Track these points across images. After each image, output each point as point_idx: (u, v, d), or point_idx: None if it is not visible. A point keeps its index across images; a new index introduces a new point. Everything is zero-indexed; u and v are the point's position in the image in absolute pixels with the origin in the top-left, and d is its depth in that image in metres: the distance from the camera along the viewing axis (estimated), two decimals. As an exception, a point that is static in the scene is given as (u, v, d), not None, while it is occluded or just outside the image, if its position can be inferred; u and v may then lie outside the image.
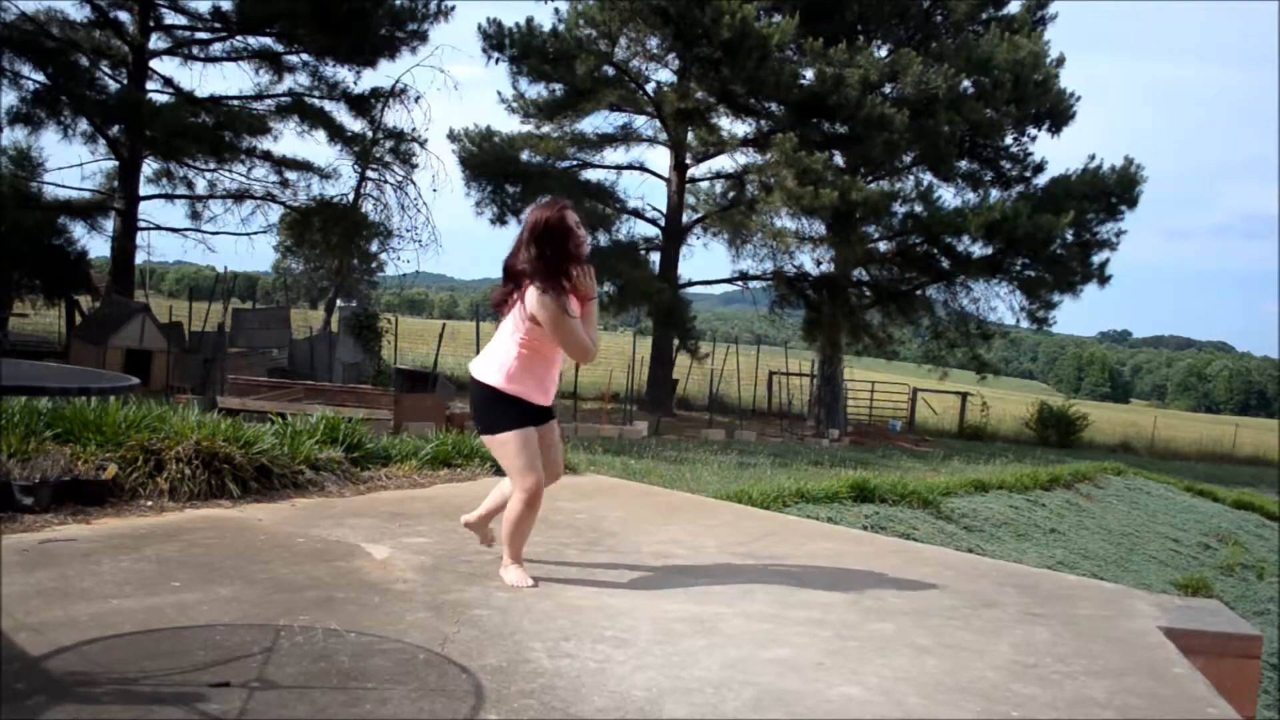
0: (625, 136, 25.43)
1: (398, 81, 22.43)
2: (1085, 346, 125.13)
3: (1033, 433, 28.08)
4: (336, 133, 21.54)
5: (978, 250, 23.30)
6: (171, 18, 20.62)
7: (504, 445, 3.44)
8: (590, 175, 25.72)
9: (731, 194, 25.51)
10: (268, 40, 21.12)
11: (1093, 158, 23.63)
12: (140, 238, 21.28)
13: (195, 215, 22.47)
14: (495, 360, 3.45)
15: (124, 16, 20.12)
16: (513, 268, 3.41)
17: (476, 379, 3.47)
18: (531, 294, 3.32)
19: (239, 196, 21.94)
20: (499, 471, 5.89)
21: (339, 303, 23.82)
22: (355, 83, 21.87)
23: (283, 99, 21.46)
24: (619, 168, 26.17)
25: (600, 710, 2.41)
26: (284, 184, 21.98)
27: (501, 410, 3.44)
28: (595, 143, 25.36)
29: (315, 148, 75.03)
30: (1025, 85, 22.05)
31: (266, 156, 21.33)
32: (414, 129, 23.35)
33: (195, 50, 21.10)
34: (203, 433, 4.62)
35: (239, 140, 20.63)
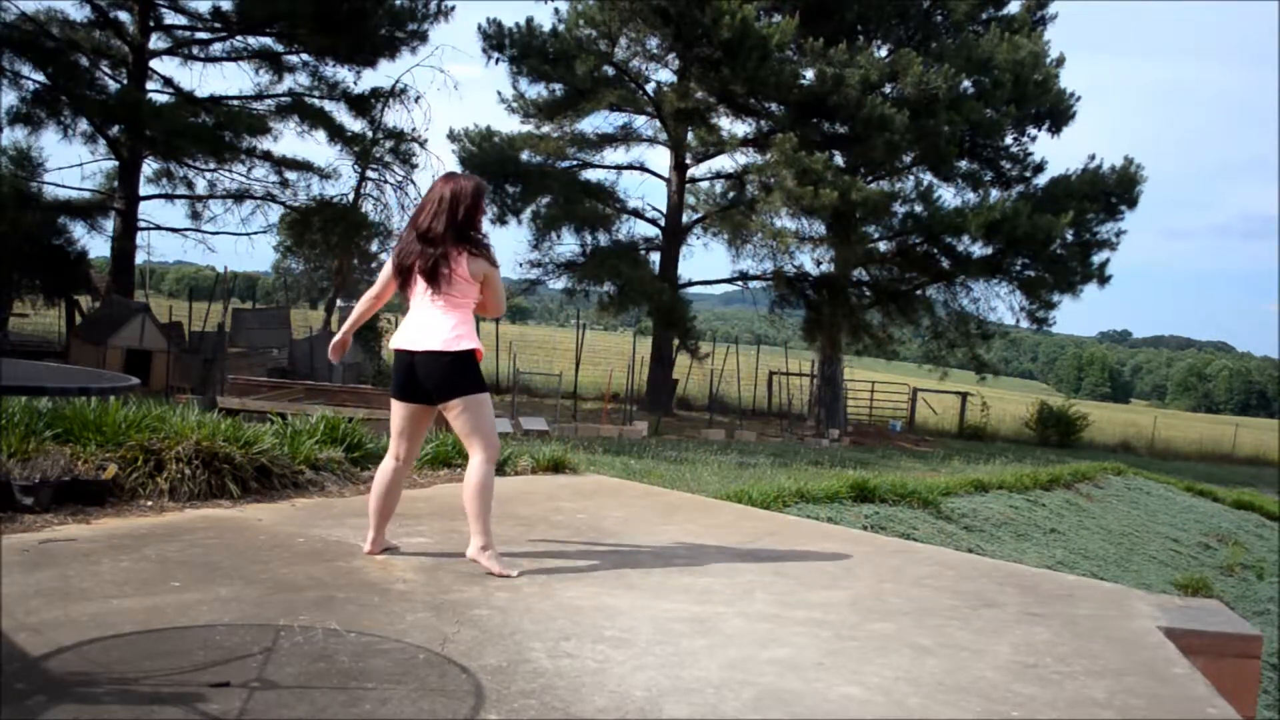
0: (625, 136, 25.42)
1: (398, 81, 22.42)
2: (1085, 346, 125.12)
3: (1033, 433, 28.08)
4: (336, 133, 21.53)
5: (978, 250, 23.29)
6: (171, 18, 20.60)
7: (483, 404, 3.59)
8: (590, 175, 25.73)
9: (731, 194, 25.50)
10: (268, 40, 21.10)
11: (1093, 158, 23.64)
12: (140, 238, 21.27)
13: (195, 215, 22.47)
14: (453, 327, 3.53)
15: (124, 16, 20.10)
16: (436, 233, 3.52)
17: (449, 350, 3.51)
18: (472, 259, 3.54)
19: (239, 196, 21.93)
20: (500, 471, 5.90)
21: (339, 303, 23.82)
22: (355, 83, 21.86)
23: (283, 99, 21.45)
24: (619, 168, 26.18)
25: (600, 710, 2.41)
26: (284, 184, 21.96)
27: (477, 371, 3.60)
28: (595, 143, 25.35)
29: (315, 148, 75.23)
30: (1025, 85, 22.04)
31: (266, 156, 21.31)
32: (414, 129, 23.31)
33: (195, 50, 21.08)
34: (203, 433, 4.62)
35: (239, 140, 20.61)
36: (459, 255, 3.53)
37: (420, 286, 3.57)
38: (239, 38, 21.08)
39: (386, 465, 3.73)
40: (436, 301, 3.55)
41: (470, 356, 3.56)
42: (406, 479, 3.89)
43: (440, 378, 3.54)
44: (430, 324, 3.55)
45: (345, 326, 3.90)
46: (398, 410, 3.68)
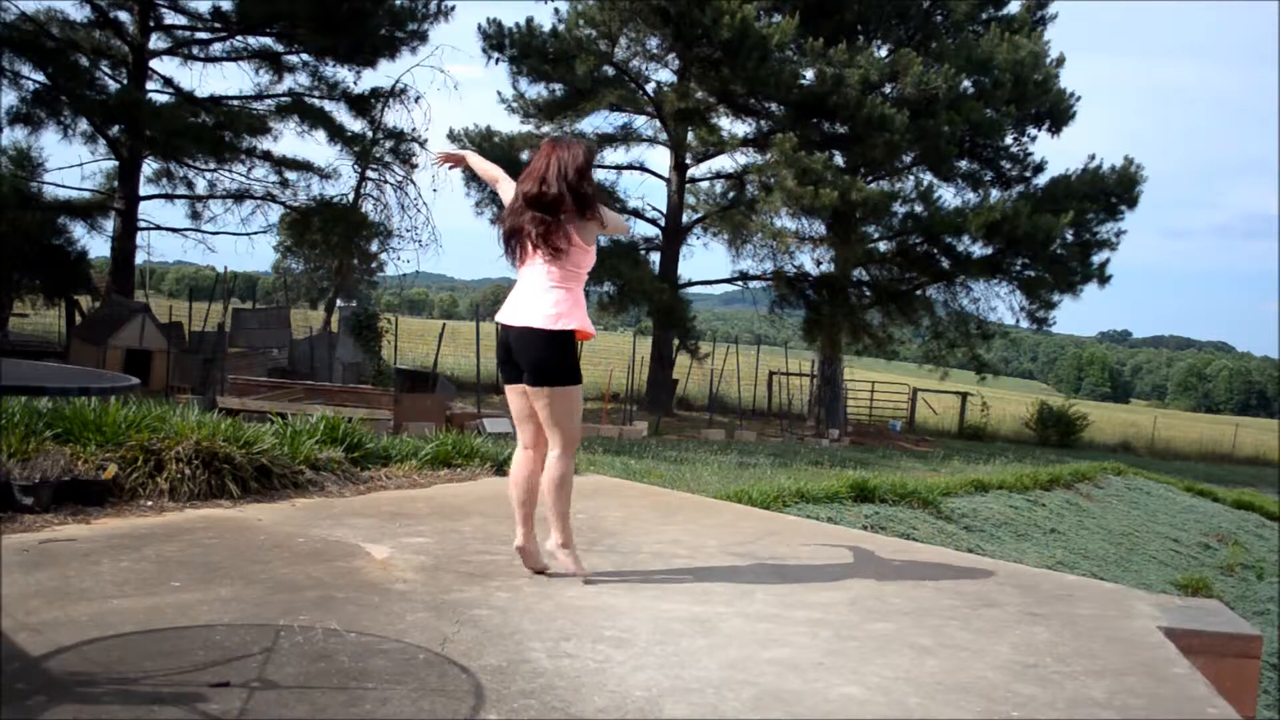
0: (625, 136, 25.44)
1: (398, 81, 22.47)
2: (1085, 346, 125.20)
3: (1033, 433, 28.10)
4: (336, 133, 21.55)
5: (978, 250, 23.32)
6: (171, 18, 20.63)
7: (571, 396, 3.41)
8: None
9: (731, 194, 25.51)
10: (268, 40, 21.14)
11: (1093, 158, 23.69)
12: (140, 238, 21.32)
13: (195, 215, 22.51)
14: (557, 302, 3.35)
15: (124, 16, 20.14)
16: (548, 198, 3.35)
17: (548, 329, 3.33)
18: (585, 224, 3.38)
19: (239, 196, 21.96)
20: (500, 471, 5.90)
21: (339, 303, 23.83)
22: (355, 83, 21.92)
23: (283, 99, 21.47)
24: (619, 168, 26.21)
25: (600, 710, 2.41)
26: (284, 184, 21.99)
27: (575, 358, 3.41)
28: (595, 143, 25.36)
29: (315, 148, 75.26)
30: (1025, 85, 22.06)
31: (266, 156, 21.34)
32: (414, 129, 23.38)
33: (195, 50, 21.12)
34: (203, 433, 4.62)
35: (239, 140, 20.64)
36: (572, 221, 3.37)
37: (531, 256, 3.40)
38: (239, 38, 21.12)
39: (517, 456, 3.59)
40: (550, 271, 3.38)
41: (569, 339, 3.37)
42: (542, 464, 3.58)
43: (535, 358, 3.37)
44: (535, 297, 3.38)
45: (471, 156, 3.85)
46: (511, 396, 3.53)
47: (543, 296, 3.37)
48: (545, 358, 3.37)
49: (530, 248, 3.40)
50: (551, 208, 3.35)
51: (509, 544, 3.89)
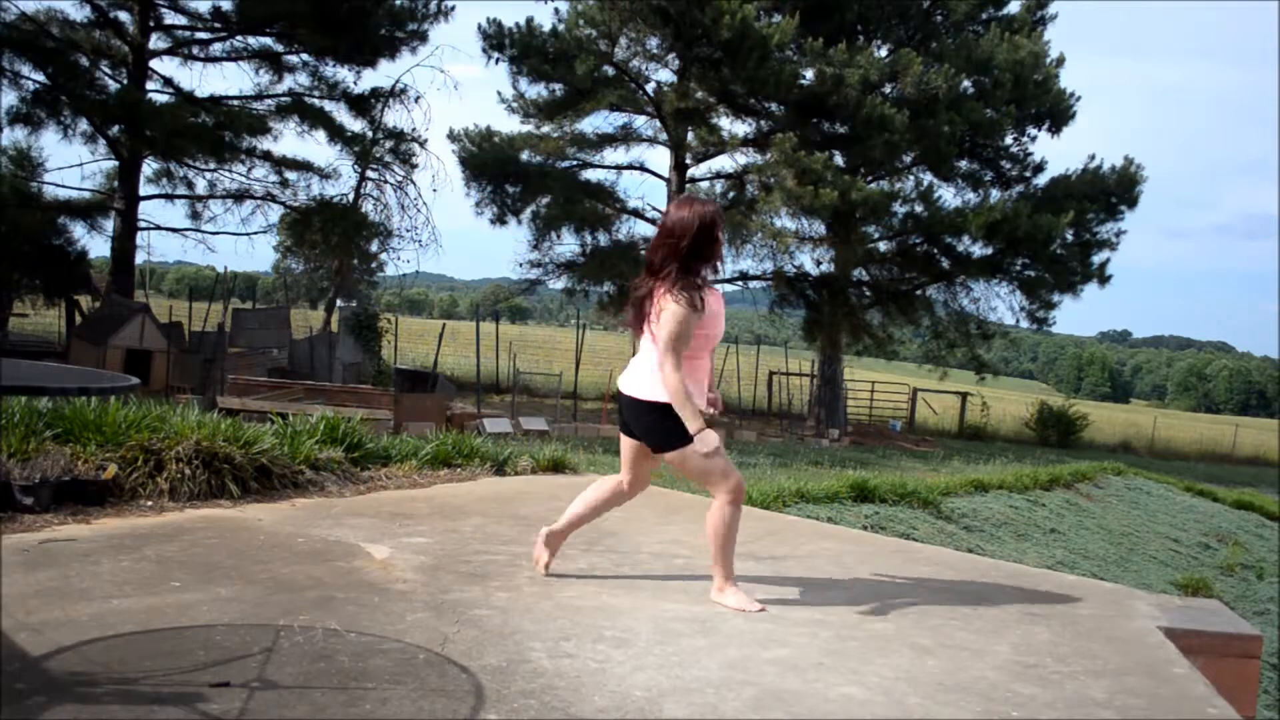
0: (625, 136, 25.40)
1: (398, 81, 22.48)
2: (1085, 346, 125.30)
3: (1033, 433, 28.11)
4: (336, 133, 21.55)
5: (978, 250, 23.29)
6: (171, 18, 20.62)
7: (695, 455, 3.27)
8: (590, 175, 25.71)
9: (731, 194, 25.48)
10: (268, 40, 21.14)
11: (1093, 158, 23.66)
12: (140, 238, 21.30)
13: (195, 215, 22.50)
14: (654, 370, 3.25)
15: (124, 16, 20.13)
16: (653, 265, 3.26)
17: (641, 399, 3.29)
18: (676, 295, 3.20)
19: (239, 196, 21.95)
20: (500, 471, 5.90)
21: (339, 303, 23.83)
22: (355, 83, 21.91)
23: (283, 99, 21.47)
24: (619, 168, 26.16)
25: (600, 710, 2.42)
26: (284, 184, 21.99)
27: (676, 420, 3.25)
28: (595, 143, 25.34)
29: (315, 148, 75.50)
30: (1025, 85, 22.05)
31: (266, 156, 21.33)
32: (414, 129, 23.42)
33: (195, 50, 21.11)
34: (203, 433, 4.62)
35: (239, 140, 20.64)
36: (665, 291, 3.21)
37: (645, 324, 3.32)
38: (239, 38, 21.11)
39: (611, 480, 3.60)
40: (649, 340, 3.30)
41: (662, 408, 3.25)
42: (624, 501, 3.63)
43: (639, 425, 3.37)
44: (638, 365, 3.36)
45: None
46: (622, 441, 3.53)
47: (643, 365, 3.33)
48: (650, 424, 3.32)
49: (642, 315, 3.32)
50: (653, 273, 3.26)
51: (509, 544, 3.90)
